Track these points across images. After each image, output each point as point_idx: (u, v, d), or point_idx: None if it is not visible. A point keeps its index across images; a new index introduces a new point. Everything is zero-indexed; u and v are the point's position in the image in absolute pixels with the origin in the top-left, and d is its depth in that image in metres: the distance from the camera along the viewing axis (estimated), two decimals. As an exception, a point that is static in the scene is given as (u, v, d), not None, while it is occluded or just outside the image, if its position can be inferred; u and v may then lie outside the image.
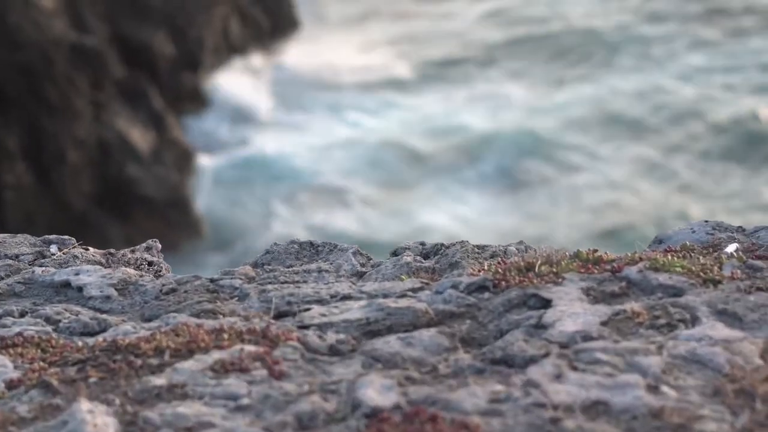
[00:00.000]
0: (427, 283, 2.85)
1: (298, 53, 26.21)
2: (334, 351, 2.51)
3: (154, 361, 2.47)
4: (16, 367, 2.49)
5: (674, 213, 19.03)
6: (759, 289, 2.63)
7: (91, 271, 3.00)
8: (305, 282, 2.93)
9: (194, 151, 21.29)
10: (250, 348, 2.48)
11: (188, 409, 2.27)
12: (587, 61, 24.89)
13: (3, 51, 18.89)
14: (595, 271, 2.73)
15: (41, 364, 2.51)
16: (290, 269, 3.04)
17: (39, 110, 18.87)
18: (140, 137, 19.65)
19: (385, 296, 2.75)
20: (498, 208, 20.01)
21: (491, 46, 26.12)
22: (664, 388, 2.27)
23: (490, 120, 22.83)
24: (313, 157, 21.78)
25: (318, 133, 22.75)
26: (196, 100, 23.19)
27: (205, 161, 21.44)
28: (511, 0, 28.17)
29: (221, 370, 2.42)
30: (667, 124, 21.96)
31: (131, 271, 3.03)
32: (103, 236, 17.48)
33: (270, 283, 2.93)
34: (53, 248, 3.22)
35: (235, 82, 24.47)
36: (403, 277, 2.94)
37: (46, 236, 3.31)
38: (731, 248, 2.81)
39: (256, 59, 25.73)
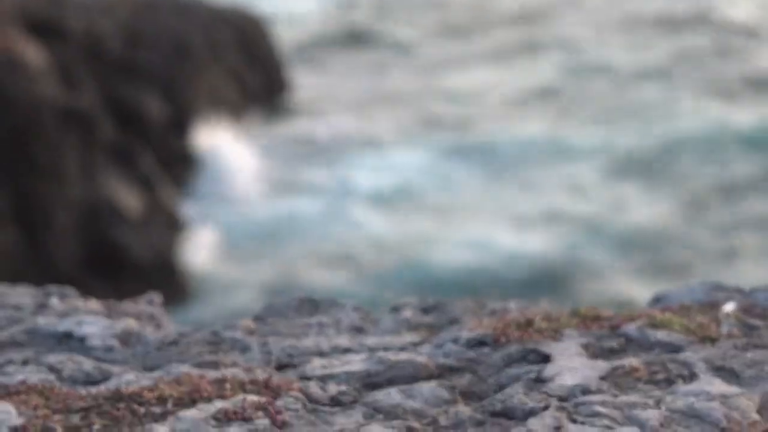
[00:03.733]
0: (427, 338, 2.88)
1: (293, 115, 26.39)
2: (335, 402, 2.54)
3: (157, 410, 2.49)
4: (20, 414, 2.51)
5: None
6: (756, 346, 2.67)
7: (92, 321, 3.03)
8: (306, 335, 2.97)
9: (184, 215, 21.34)
10: (252, 398, 2.50)
11: (192, 456, 2.29)
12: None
13: (-6, 112, 18.98)
14: (594, 328, 2.77)
15: (45, 411, 2.53)
16: (291, 323, 3.07)
17: (28, 172, 18.93)
18: (130, 200, 19.70)
19: (386, 349, 2.79)
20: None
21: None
22: (663, 442, 2.30)
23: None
24: (310, 218, 21.85)
25: (315, 194, 22.81)
26: (188, 163, 23.29)
27: (197, 224, 21.48)
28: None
29: (224, 418, 2.44)
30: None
31: (133, 322, 3.06)
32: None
33: (271, 335, 2.96)
34: (54, 299, 3.25)
35: (228, 144, 24.62)
36: (402, 331, 2.97)
37: (47, 287, 3.34)
38: (729, 307, 2.86)
39: (250, 121, 25.90)
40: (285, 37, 28.97)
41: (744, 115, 24.20)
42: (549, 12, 30.41)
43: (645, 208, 21.11)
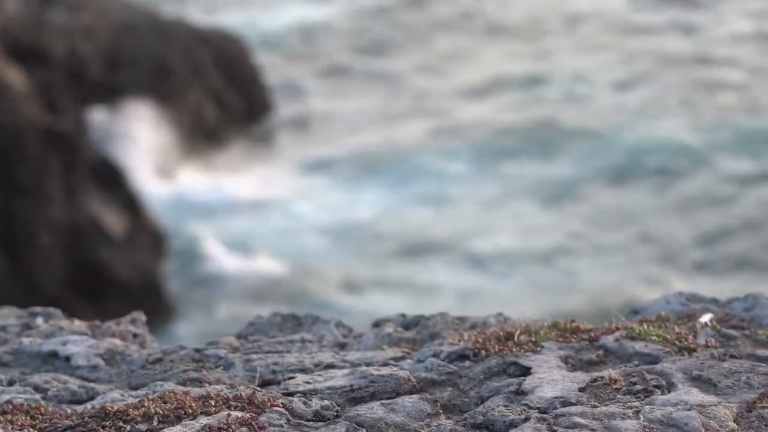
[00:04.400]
0: (408, 353, 2.92)
1: (273, 136, 26.35)
2: (318, 417, 2.57)
3: (143, 427, 2.52)
4: (6, 433, 2.53)
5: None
6: (732, 356, 2.71)
7: (77, 341, 3.05)
8: (289, 352, 3.00)
9: (168, 235, 21.32)
10: (236, 414, 2.53)
11: (178, 472, 2.32)
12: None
13: (-23, 134, 18.98)
14: (573, 340, 2.81)
15: (31, 430, 2.56)
16: (274, 340, 3.10)
17: (11, 193, 18.92)
18: (113, 220, 19.69)
19: (368, 365, 2.82)
20: None
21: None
22: (642, 452, 2.34)
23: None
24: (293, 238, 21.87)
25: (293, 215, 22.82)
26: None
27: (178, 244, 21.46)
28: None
29: (209, 435, 2.47)
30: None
31: (117, 341, 3.09)
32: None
33: (254, 352, 2.99)
34: (39, 319, 3.28)
35: (210, 164, 24.59)
36: (384, 347, 3.00)
37: (32, 308, 3.37)
38: (706, 318, 2.90)
39: (231, 142, 25.85)
40: (266, 59, 28.88)
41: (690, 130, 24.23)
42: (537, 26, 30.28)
43: (591, 245, 21.09)
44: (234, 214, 23.07)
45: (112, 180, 20.27)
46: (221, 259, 21.66)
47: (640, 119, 24.74)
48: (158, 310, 19.44)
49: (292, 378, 2.78)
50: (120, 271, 19.52)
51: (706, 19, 28.76)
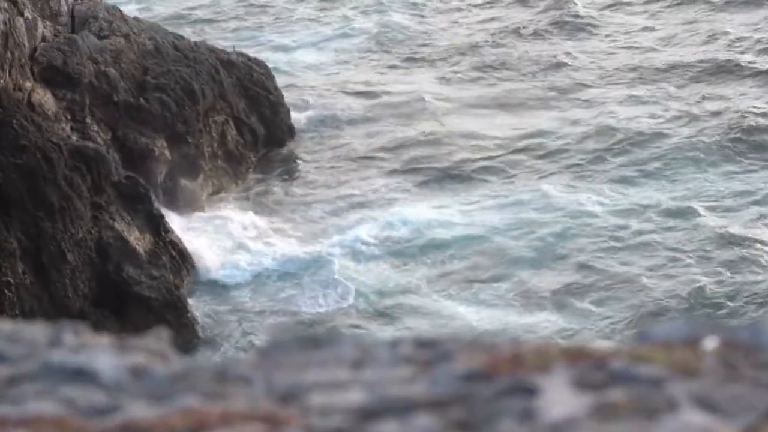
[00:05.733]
0: (422, 372, 3.01)
1: (294, 161, 26.44)
2: (335, 433, 2.66)
3: (165, 440, 2.62)
4: (34, 443, 2.63)
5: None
6: (736, 380, 2.79)
7: (104, 355, 3.15)
8: (307, 370, 3.09)
9: (190, 254, 21.45)
10: (256, 429, 2.63)
11: (198, 483, 2.41)
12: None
13: (6, 154, 19.18)
14: (582, 363, 2.90)
15: (58, 441, 2.66)
16: (293, 359, 3.19)
17: (39, 211, 19.10)
18: (138, 239, 19.84)
19: (383, 383, 2.91)
20: None
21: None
22: (646, 471, 2.42)
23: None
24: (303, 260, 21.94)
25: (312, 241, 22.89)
26: (195, 204, 23.44)
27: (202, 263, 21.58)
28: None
29: (228, 448, 2.56)
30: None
31: (141, 357, 3.19)
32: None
33: (274, 370, 3.09)
34: (66, 334, 3.38)
35: (229, 189, 24.66)
36: (399, 366, 3.09)
37: (60, 322, 3.47)
38: (710, 343, 2.98)
39: (252, 165, 25.93)
40: (290, 85, 28.93)
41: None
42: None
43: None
44: (257, 238, 23.15)
45: (136, 200, 20.43)
46: (240, 281, 21.71)
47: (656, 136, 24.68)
48: (181, 327, 19.57)
49: (310, 395, 2.87)
50: (144, 288, 19.66)
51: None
